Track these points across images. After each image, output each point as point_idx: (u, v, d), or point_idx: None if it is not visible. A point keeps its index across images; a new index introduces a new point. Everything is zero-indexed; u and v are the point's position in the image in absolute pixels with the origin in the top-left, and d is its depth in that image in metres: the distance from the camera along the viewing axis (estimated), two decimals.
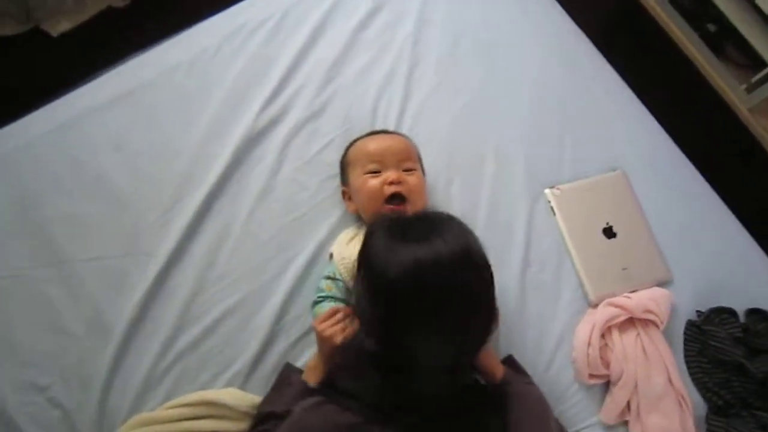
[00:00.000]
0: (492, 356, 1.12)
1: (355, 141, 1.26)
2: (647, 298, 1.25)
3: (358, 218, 1.24)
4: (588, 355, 1.20)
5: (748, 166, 2.10)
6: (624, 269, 1.31)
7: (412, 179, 1.17)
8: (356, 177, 1.18)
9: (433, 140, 1.36)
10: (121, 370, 1.12)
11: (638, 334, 1.24)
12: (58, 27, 1.91)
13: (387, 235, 0.86)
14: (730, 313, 1.31)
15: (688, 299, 1.32)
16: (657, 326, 1.25)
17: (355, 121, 1.35)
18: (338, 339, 1.02)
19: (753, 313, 1.32)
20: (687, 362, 1.28)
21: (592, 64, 1.54)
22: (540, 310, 1.26)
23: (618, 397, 1.20)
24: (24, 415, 1.08)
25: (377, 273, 0.84)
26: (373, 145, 1.20)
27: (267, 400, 1.08)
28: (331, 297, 1.13)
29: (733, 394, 1.23)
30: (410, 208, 1.15)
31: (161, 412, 1.07)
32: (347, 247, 1.16)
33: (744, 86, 2.05)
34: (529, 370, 1.17)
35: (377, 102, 1.38)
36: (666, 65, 2.22)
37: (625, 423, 1.21)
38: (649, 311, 1.24)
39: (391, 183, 1.14)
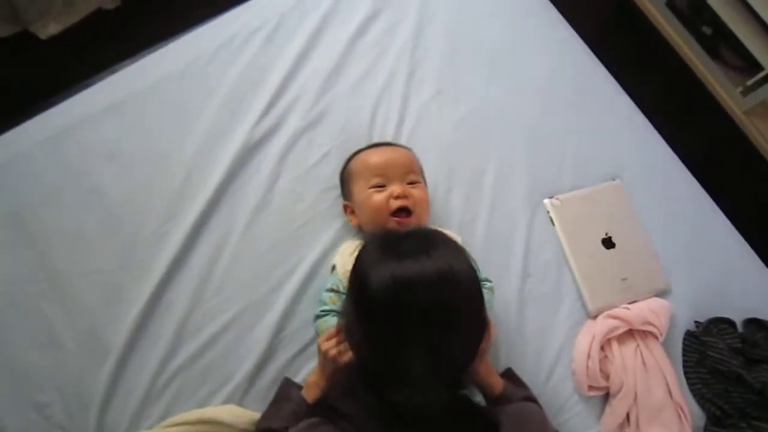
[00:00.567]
0: (491, 370, 1.12)
1: (355, 153, 1.25)
2: (647, 310, 1.25)
3: (359, 230, 1.22)
4: (587, 367, 1.20)
5: (744, 170, 2.10)
6: (623, 280, 1.31)
7: (416, 192, 1.16)
8: (360, 191, 1.17)
9: (432, 150, 1.34)
10: (119, 387, 1.10)
11: (638, 346, 1.24)
12: (47, 29, 1.87)
13: (375, 251, 0.85)
14: (729, 323, 1.31)
15: (686, 310, 1.33)
16: (656, 338, 1.25)
17: (353, 130, 1.34)
18: (344, 358, 1.00)
19: (751, 323, 1.33)
20: (686, 373, 1.28)
21: (591, 72, 1.54)
22: (539, 321, 1.26)
23: (617, 408, 1.20)
24: None
25: (359, 284, 0.84)
26: (376, 158, 1.19)
27: (265, 415, 1.07)
28: (335, 310, 1.11)
29: (732, 405, 1.24)
30: (415, 221, 1.14)
31: (159, 431, 1.06)
32: (351, 258, 1.14)
33: (740, 89, 2.06)
34: (529, 382, 1.17)
35: (375, 111, 1.37)
36: (662, 68, 2.22)
37: None
38: (649, 323, 1.24)
39: (397, 197, 1.13)
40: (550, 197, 1.36)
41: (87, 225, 1.20)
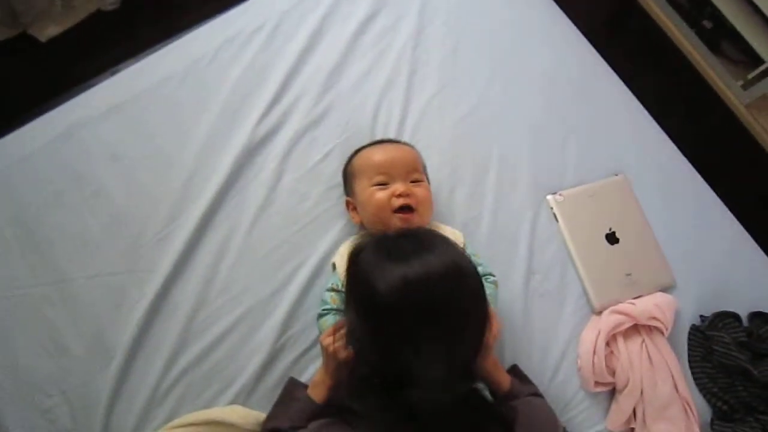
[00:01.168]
0: (498, 366, 1.12)
1: (358, 150, 1.24)
2: (652, 305, 1.25)
3: (361, 228, 1.22)
4: (593, 363, 1.20)
5: (746, 163, 2.10)
6: (627, 275, 1.31)
7: (419, 191, 1.15)
8: (363, 189, 1.16)
9: (435, 147, 1.34)
10: (124, 390, 1.10)
11: (643, 341, 1.24)
12: (47, 32, 1.87)
13: (374, 253, 0.85)
14: (734, 317, 1.31)
15: (691, 304, 1.33)
16: (662, 333, 1.25)
17: (355, 129, 1.33)
18: (343, 354, 1.01)
19: (757, 316, 1.33)
20: (691, 367, 1.28)
21: (593, 67, 1.53)
22: (545, 318, 1.26)
23: (624, 404, 1.20)
24: None
25: (366, 291, 0.83)
26: (380, 156, 1.18)
27: (271, 415, 1.07)
28: (336, 309, 1.11)
29: (738, 399, 1.24)
30: (418, 219, 1.14)
31: None
32: None
33: (740, 83, 2.06)
34: (535, 379, 1.17)
35: (377, 109, 1.36)
36: (663, 63, 2.22)
37: (631, 430, 1.21)
38: (654, 318, 1.23)
39: (399, 195, 1.12)
40: (554, 193, 1.36)
41: (90, 228, 1.20)
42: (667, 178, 1.44)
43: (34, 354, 1.11)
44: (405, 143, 1.28)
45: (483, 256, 1.21)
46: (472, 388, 0.94)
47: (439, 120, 1.38)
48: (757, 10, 1.92)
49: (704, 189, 1.48)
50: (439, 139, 1.36)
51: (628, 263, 1.32)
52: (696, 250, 1.38)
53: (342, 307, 1.11)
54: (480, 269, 1.14)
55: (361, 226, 1.21)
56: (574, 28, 1.57)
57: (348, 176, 1.23)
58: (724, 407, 1.24)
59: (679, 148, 1.52)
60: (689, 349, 1.29)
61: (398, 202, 1.12)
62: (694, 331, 1.30)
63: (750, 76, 2.03)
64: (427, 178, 1.23)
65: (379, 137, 1.32)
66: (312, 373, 1.14)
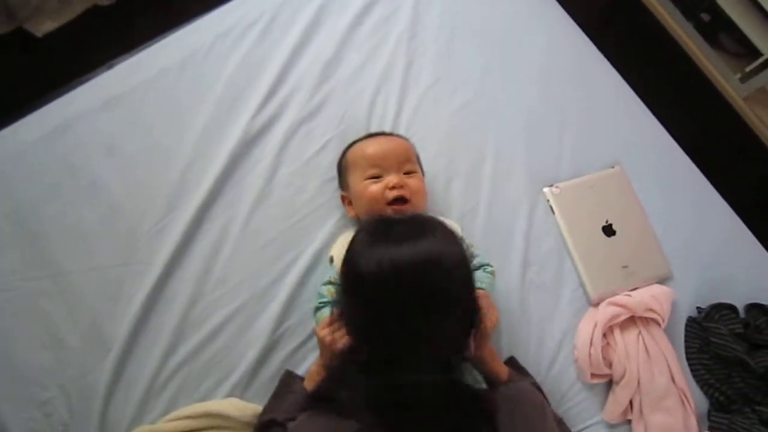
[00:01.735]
0: (495, 357, 1.12)
1: (351, 144, 1.24)
2: (648, 296, 1.25)
3: (357, 221, 1.22)
4: (590, 354, 1.20)
5: (743, 155, 2.10)
6: (624, 267, 1.31)
7: (413, 182, 1.16)
8: (356, 182, 1.16)
9: (431, 139, 1.34)
10: (121, 382, 1.10)
11: (640, 333, 1.24)
12: (43, 27, 1.86)
13: (367, 234, 0.86)
14: (731, 308, 1.31)
15: (688, 295, 1.33)
16: (659, 324, 1.25)
17: (352, 121, 1.33)
18: (339, 345, 1.01)
19: (753, 308, 1.33)
20: (688, 359, 1.28)
21: (590, 59, 1.53)
22: (541, 310, 1.26)
23: (621, 395, 1.20)
24: (24, 430, 1.06)
25: (353, 270, 0.84)
26: (372, 148, 1.18)
27: (268, 407, 1.07)
28: (333, 302, 1.11)
29: (735, 390, 1.24)
30: (412, 210, 1.14)
31: (163, 425, 1.06)
32: None
33: (738, 75, 2.06)
34: (532, 371, 1.17)
35: (374, 101, 1.36)
36: (661, 55, 2.21)
37: (628, 422, 1.21)
38: (651, 309, 1.24)
39: (393, 187, 1.12)
40: (550, 186, 1.36)
41: (87, 220, 1.20)
42: (664, 170, 1.44)
43: (31, 347, 1.11)
44: (398, 135, 1.27)
45: (479, 248, 1.21)
46: (455, 377, 0.94)
47: (435, 112, 1.38)
48: (754, 2, 1.91)
49: (701, 181, 1.48)
50: (435, 131, 1.36)
51: (624, 255, 1.32)
52: (693, 241, 1.38)
53: None
54: (477, 260, 1.15)
55: (357, 219, 1.21)
56: (570, 19, 1.57)
57: (342, 170, 1.23)
58: (721, 398, 1.24)
59: (676, 140, 1.52)
60: (686, 341, 1.29)
61: (392, 194, 1.12)
62: (691, 322, 1.30)
63: (748, 69, 2.02)
64: (421, 169, 1.23)
65: (375, 129, 1.32)
66: (309, 365, 1.14)
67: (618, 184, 1.39)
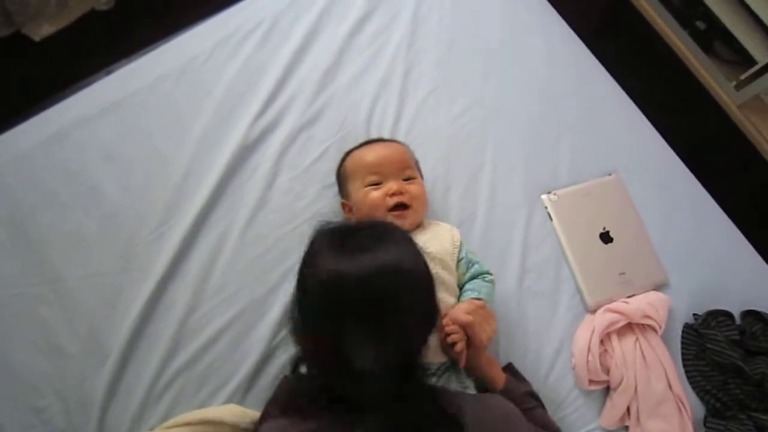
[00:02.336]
0: (493, 364, 1.12)
1: (350, 152, 1.24)
2: (645, 303, 1.26)
3: None
4: (588, 361, 1.21)
5: (738, 163, 2.11)
6: (621, 274, 1.31)
7: (413, 188, 1.16)
8: (357, 190, 1.17)
9: (429, 146, 1.35)
10: (120, 389, 1.10)
11: (637, 339, 1.24)
12: (40, 31, 1.86)
13: (325, 244, 0.86)
14: (727, 315, 1.32)
15: (685, 302, 1.33)
16: (655, 331, 1.26)
17: (351, 128, 1.34)
18: None
19: (749, 314, 1.34)
20: (684, 365, 1.29)
21: (587, 67, 1.54)
22: (539, 317, 1.26)
23: (618, 402, 1.20)
24: None
25: (301, 282, 0.85)
26: (371, 155, 1.19)
27: (264, 413, 1.06)
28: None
29: (731, 397, 1.25)
30: (413, 215, 1.14)
31: None
32: None
33: (733, 83, 2.07)
34: (529, 378, 1.17)
35: (372, 108, 1.37)
36: (656, 63, 2.23)
37: (626, 428, 1.22)
38: (648, 316, 1.24)
39: (393, 194, 1.13)
40: (548, 193, 1.37)
41: (85, 226, 1.20)
42: (660, 177, 1.45)
43: (28, 353, 1.11)
44: (396, 141, 1.28)
45: (478, 255, 1.21)
46: (422, 383, 0.93)
47: (434, 119, 1.38)
48: (749, 10, 1.93)
49: (697, 188, 1.49)
50: (433, 138, 1.36)
51: (622, 262, 1.33)
52: (689, 248, 1.39)
53: None
54: (476, 267, 1.16)
55: None
56: (567, 27, 1.58)
57: (341, 178, 1.24)
58: (717, 404, 1.25)
59: (672, 147, 1.53)
60: (682, 347, 1.30)
61: (392, 200, 1.13)
62: (688, 329, 1.31)
63: (743, 77, 2.04)
64: (421, 174, 1.23)
65: (374, 136, 1.33)
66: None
67: (615, 191, 1.40)
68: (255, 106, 1.32)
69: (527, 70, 1.49)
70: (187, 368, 1.12)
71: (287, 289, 1.19)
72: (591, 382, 1.21)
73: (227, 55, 1.36)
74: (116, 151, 1.26)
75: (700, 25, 2.12)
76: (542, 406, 1.14)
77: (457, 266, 1.15)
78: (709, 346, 1.27)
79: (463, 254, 1.17)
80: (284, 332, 1.16)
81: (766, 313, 1.32)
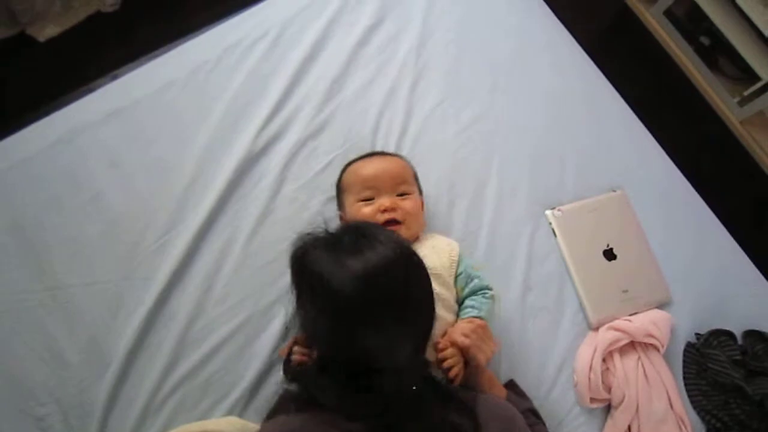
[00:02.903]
0: (493, 382, 1.12)
1: (348, 165, 1.24)
2: (648, 322, 1.25)
3: None
4: (589, 379, 1.20)
5: (741, 179, 2.11)
6: (624, 291, 1.31)
7: (406, 204, 1.15)
8: (350, 204, 1.17)
9: (435, 159, 1.34)
10: (120, 399, 1.09)
11: (639, 358, 1.24)
12: (45, 32, 1.86)
13: (325, 250, 0.87)
14: (729, 335, 1.32)
15: (686, 321, 1.33)
16: (658, 350, 1.26)
17: (356, 139, 1.33)
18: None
19: (750, 334, 1.34)
20: (686, 384, 1.29)
21: (593, 82, 1.54)
22: (541, 333, 1.26)
23: (619, 420, 1.20)
24: None
25: (324, 287, 0.84)
26: (367, 170, 1.18)
27: (263, 429, 1.06)
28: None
29: (732, 417, 1.25)
30: (405, 231, 1.14)
31: None
32: None
33: (737, 99, 2.08)
34: (531, 394, 1.17)
35: (379, 120, 1.36)
36: (660, 78, 2.23)
37: None
38: (650, 335, 1.24)
39: (385, 210, 1.12)
40: (552, 208, 1.36)
41: (88, 234, 1.19)
42: (665, 195, 1.45)
43: (29, 361, 1.10)
44: (394, 154, 1.27)
45: (480, 269, 1.21)
46: (429, 373, 0.94)
47: (441, 131, 1.38)
48: (754, 27, 1.94)
49: (701, 206, 1.48)
50: (440, 151, 1.36)
51: (625, 280, 1.32)
52: (693, 267, 1.38)
53: None
54: (476, 282, 1.14)
55: None
56: (574, 42, 1.58)
57: (339, 192, 1.24)
58: (718, 424, 1.24)
59: (675, 162, 1.53)
60: (684, 366, 1.30)
61: (383, 217, 1.12)
62: (689, 348, 1.31)
63: (746, 93, 2.05)
64: (419, 188, 1.23)
65: (379, 148, 1.33)
66: None
67: (620, 208, 1.40)
68: (261, 115, 1.31)
69: (534, 84, 1.48)
70: (188, 379, 1.12)
71: (290, 301, 1.18)
72: (592, 399, 1.21)
73: (234, 63, 1.36)
74: (121, 158, 1.26)
75: (705, 40, 2.12)
76: (543, 423, 1.13)
77: (456, 281, 1.14)
78: (710, 365, 1.27)
79: (461, 269, 1.15)
80: (283, 346, 1.15)
81: None
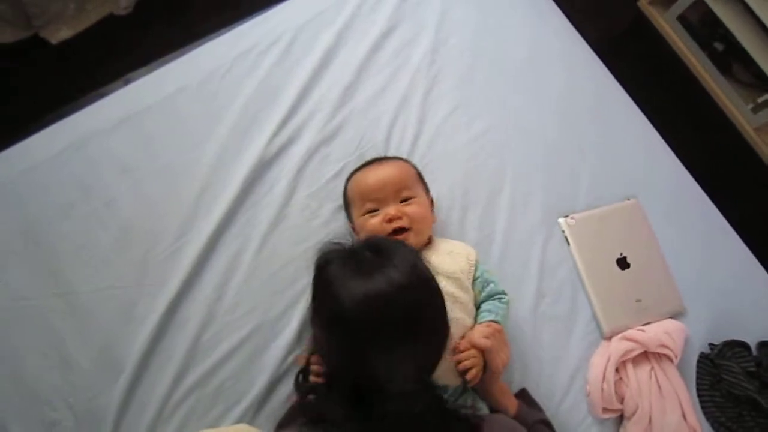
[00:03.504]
0: (505, 392, 1.12)
1: (350, 177, 1.24)
2: (662, 332, 1.24)
3: None
4: (602, 389, 1.20)
5: (754, 186, 2.09)
6: (638, 301, 1.30)
7: (411, 209, 1.14)
8: (357, 217, 1.17)
9: (448, 167, 1.34)
10: (131, 406, 1.09)
11: (652, 368, 1.23)
12: (59, 34, 1.86)
13: (339, 267, 0.87)
14: (743, 346, 1.31)
15: (701, 331, 1.32)
16: (671, 360, 1.24)
17: (369, 146, 1.33)
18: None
19: (765, 345, 1.32)
20: (699, 395, 1.27)
21: (607, 90, 1.52)
22: (554, 342, 1.25)
23: (631, 431, 1.19)
24: None
25: (331, 305, 0.86)
26: (367, 182, 1.17)
27: None
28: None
29: (745, 429, 1.24)
30: (414, 237, 1.13)
31: None
32: None
33: (750, 106, 2.06)
34: (543, 404, 1.16)
35: (391, 126, 1.36)
36: (674, 83, 2.22)
37: None
38: (664, 345, 1.23)
39: (390, 220, 1.12)
40: (565, 216, 1.35)
41: (99, 240, 1.19)
42: (679, 203, 1.44)
43: (41, 366, 1.11)
44: (394, 158, 1.26)
45: (494, 275, 1.21)
46: (436, 395, 0.94)
47: (453, 139, 1.37)
48: None
49: (715, 215, 1.47)
50: (452, 159, 1.35)
51: (638, 289, 1.31)
52: (706, 276, 1.37)
53: None
54: (491, 287, 1.15)
55: None
56: (589, 48, 1.56)
57: (346, 203, 1.24)
58: None
59: (688, 169, 1.52)
60: (698, 378, 1.29)
61: (390, 226, 1.12)
62: (703, 359, 1.30)
63: (760, 100, 2.03)
64: (425, 187, 1.22)
65: (392, 155, 1.31)
66: None
67: (633, 216, 1.38)
68: (273, 121, 1.31)
69: (548, 91, 1.47)
70: (199, 386, 1.12)
71: (300, 309, 1.18)
72: (605, 410, 1.20)
73: (247, 70, 1.36)
74: (132, 164, 1.26)
75: (719, 46, 2.11)
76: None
77: (473, 285, 1.15)
78: (724, 377, 1.26)
79: (479, 273, 1.16)
80: (296, 353, 1.16)
81: None
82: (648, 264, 1.34)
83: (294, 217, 1.25)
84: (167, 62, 1.39)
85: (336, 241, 0.94)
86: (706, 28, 2.12)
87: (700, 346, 1.31)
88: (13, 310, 1.13)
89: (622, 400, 1.21)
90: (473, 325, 1.11)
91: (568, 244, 1.33)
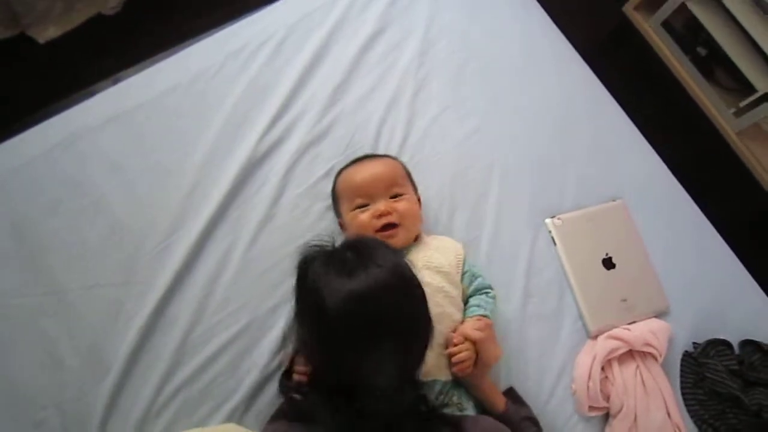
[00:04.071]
0: (493, 390, 1.13)
1: (340, 172, 1.25)
2: (647, 331, 1.26)
3: None
4: (588, 387, 1.21)
5: (737, 190, 2.13)
6: (623, 300, 1.32)
7: (401, 205, 1.15)
8: (346, 212, 1.18)
9: (437, 168, 1.35)
10: (119, 404, 1.09)
11: (637, 367, 1.25)
12: (46, 33, 1.85)
13: (322, 266, 0.88)
14: (726, 345, 1.33)
15: (685, 330, 1.34)
16: (656, 359, 1.26)
17: (358, 146, 1.34)
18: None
19: (747, 344, 1.35)
20: (683, 393, 1.30)
21: (593, 92, 1.55)
22: (541, 341, 1.27)
23: (617, 429, 1.21)
24: None
25: (314, 305, 0.86)
26: (357, 177, 1.18)
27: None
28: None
29: (728, 427, 1.26)
30: (404, 233, 1.14)
31: None
32: None
33: (733, 110, 2.09)
34: (530, 402, 1.18)
35: (381, 126, 1.37)
36: (657, 88, 2.25)
37: None
38: (649, 344, 1.25)
39: (380, 215, 1.13)
40: (552, 217, 1.37)
41: (88, 238, 1.19)
42: (664, 204, 1.46)
43: (28, 365, 1.10)
44: (385, 156, 1.28)
45: (482, 270, 1.22)
46: (420, 394, 0.95)
47: (442, 140, 1.38)
48: (750, 39, 1.95)
49: (699, 216, 1.50)
50: (441, 159, 1.36)
51: (624, 288, 1.33)
52: (691, 276, 1.39)
53: None
54: (479, 281, 1.17)
55: None
56: (575, 52, 1.59)
57: (334, 199, 1.24)
58: None
59: (672, 172, 1.54)
60: (681, 376, 1.31)
61: (379, 222, 1.13)
62: (687, 357, 1.32)
63: (742, 104, 2.06)
64: (414, 186, 1.23)
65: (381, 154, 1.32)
66: None
67: (619, 217, 1.41)
68: (263, 121, 1.31)
69: (535, 93, 1.49)
70: (187, 385, 1.12)
71: (289, 308, 1.18)
72: (591, 408, 1.22)
73: (237, 69, 1.36)
74: (121, 162, 1.26)
75: (702, 51, 2.14)
76: (541, 431, 1.14)
77: (461, 280, 1.16)
78: (708, 375, 1.28)
79: (467, 267, 1.18)
80: (286, 351, 1.15)
81: (764, 344, 1.33)
82: (633, 264, 1.37)
83: (283, 216, 1.26)
84: (157, 62, 1.39)
85: (317, 242, 0.94)
86: (689, 34, 2.16)
87: (684, 344, 1.34)
88: (0, 308, 1.12)
89: (607, 398, 1.23)
90: (462, 320, 1.12)
91: (555, 244, 1.35)
